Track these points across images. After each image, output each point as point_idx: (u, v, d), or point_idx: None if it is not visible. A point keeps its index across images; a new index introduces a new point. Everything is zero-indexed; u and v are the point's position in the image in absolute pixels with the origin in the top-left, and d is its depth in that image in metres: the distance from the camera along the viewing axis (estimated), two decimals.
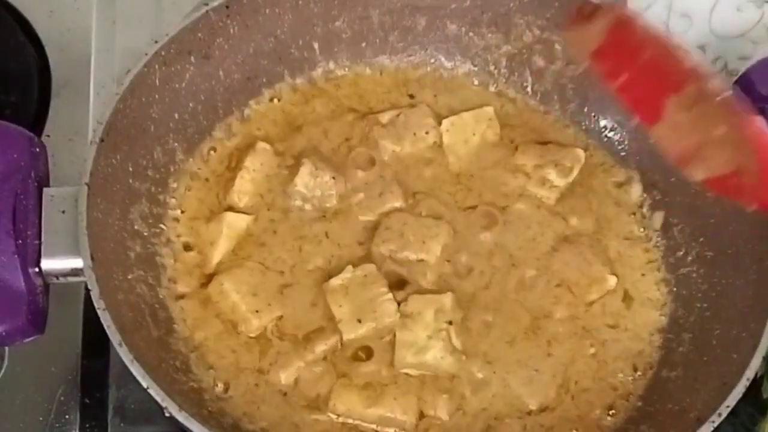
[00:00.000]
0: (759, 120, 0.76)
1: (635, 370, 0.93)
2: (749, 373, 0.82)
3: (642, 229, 1.01)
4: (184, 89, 0.98)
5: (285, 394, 0.89)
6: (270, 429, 0.88)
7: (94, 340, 0.97)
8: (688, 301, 0.95)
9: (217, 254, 0.95)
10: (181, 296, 0.93)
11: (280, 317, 0.92)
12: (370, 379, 0.89)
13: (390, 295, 0.91)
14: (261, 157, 0.99)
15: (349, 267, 0.93)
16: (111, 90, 0.91)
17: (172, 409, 0.78)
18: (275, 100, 1.05)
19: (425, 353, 0.89)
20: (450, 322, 0.90)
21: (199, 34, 0.97)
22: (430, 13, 1.07)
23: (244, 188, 0.98)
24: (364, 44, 1.08)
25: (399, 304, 0.91)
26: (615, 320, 0.95)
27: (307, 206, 0.98)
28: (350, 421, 0.88)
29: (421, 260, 0.94)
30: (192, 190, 0.99)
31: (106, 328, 0.80)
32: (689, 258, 0.97)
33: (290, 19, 1.03)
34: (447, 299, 0.91)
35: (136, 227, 0.93)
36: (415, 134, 1.03)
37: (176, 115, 0.98)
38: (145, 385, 0.78)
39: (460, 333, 0.91)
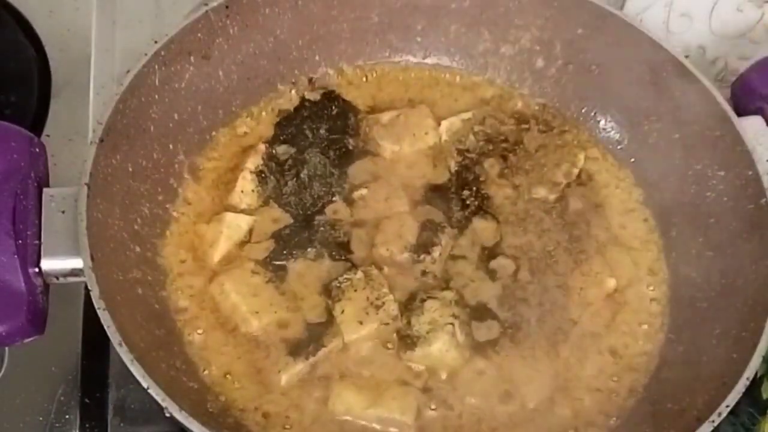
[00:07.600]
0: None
1: (635, 370, 0.93)
2: (749, 373, 0.82)
3: (641, 229, 1.01)
4: (184, 89, 0.98)
5: (286, 394, 0.89)
6: (271, 428, 0.88)
7: (94, 340, 0.97)
8: (688, 301, 0.95)
9: (218, 254, 0.95)
10: (182, 296, 0.93)
11: (281, 318, 0.92)
12: (370, 379, 0.90)
13: (391, 296, 0.92)
14: (262, 158, 1.00)
15: (351, 268, 0.93)
16: (111, 90, 0.91)
17: (172, 409, 0.78)
18: (275, 101, 1.05)
19: (430, 345, 0.89)
20: (455, 317, 0.91)
21: (199, 35, 0.97)
22: (430, 13, 1.07)
23: (245, 189, 0.98)
24: (364, 44, 1.08)
25: (402, 301, 0.92)
26: (614, 321, 0.95)
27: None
28: (350, 418, 0.88)
29: (422, 261, 0.94)
30: (192, 191, 0.99)
31: (106, 328, 0.80)
32: (689, 258, 0.97)
33: (290, 19, 1.03)
34: (451, 295, 0.92)
35: (136, 227, 0.93)
36: (414, 134, 1.03)
37: (176, 116, 0.98)
38: (145, 385, 0.78)
39: (463, 330, 0.91)
